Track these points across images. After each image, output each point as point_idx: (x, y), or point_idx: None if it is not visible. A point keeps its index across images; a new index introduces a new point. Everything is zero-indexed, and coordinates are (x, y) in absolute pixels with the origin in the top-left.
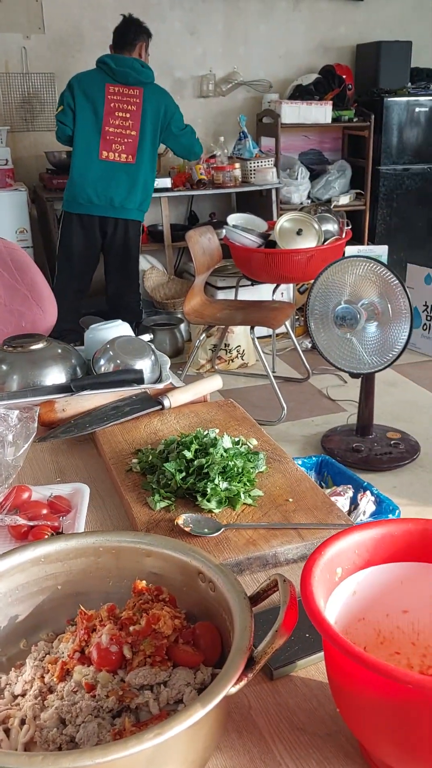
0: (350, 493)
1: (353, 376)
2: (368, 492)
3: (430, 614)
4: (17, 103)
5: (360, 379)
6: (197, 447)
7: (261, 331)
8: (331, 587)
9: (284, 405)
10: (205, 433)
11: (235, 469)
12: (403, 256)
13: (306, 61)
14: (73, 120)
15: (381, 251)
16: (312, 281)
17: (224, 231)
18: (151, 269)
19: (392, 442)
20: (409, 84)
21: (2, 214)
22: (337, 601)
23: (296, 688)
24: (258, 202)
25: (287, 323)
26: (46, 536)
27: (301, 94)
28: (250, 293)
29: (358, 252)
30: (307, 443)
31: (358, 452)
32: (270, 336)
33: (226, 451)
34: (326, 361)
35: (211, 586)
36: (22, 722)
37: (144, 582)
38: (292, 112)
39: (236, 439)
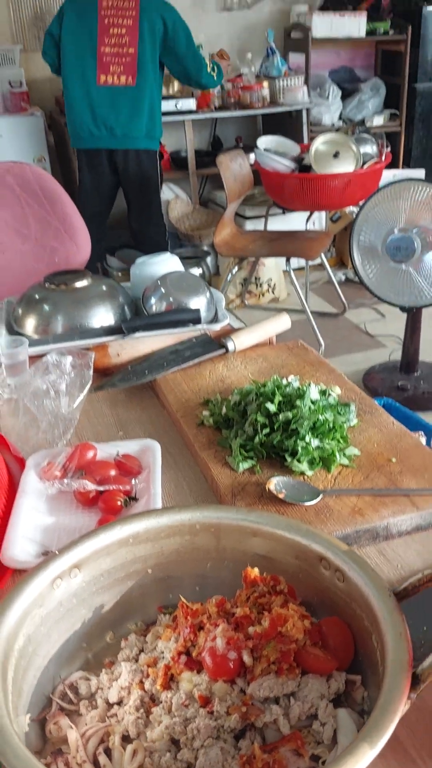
0: (423, 440)
1: (404, 310)
2: None
3: None
4: (29, 20)
5: (405, 313)
6: (281, 398)
7: (292, 263)
8: None
9: (322, 341)
10: (286, 381)
11: (327, 424)
12: None
13: None
14: (58, 48)
15: (418, 175)
16: (355, 208)
17: (254, 155)
18: (175, 199)
19: None
20: None
21: (19, 142)
22: None
23: None
24: (286, 125)
25: (322, 254)
26: (119, 502)
27: (332, 4)
28: (280, 223)
29: (394, 177)
30: None
31: (403, 391)
32: (301, 268)
33: (313, 402)
34: (373, 295)
35: (339, 576)
36: (123, 738)
37: (256, 570)
38: (324, 25)
39: (322, 389)
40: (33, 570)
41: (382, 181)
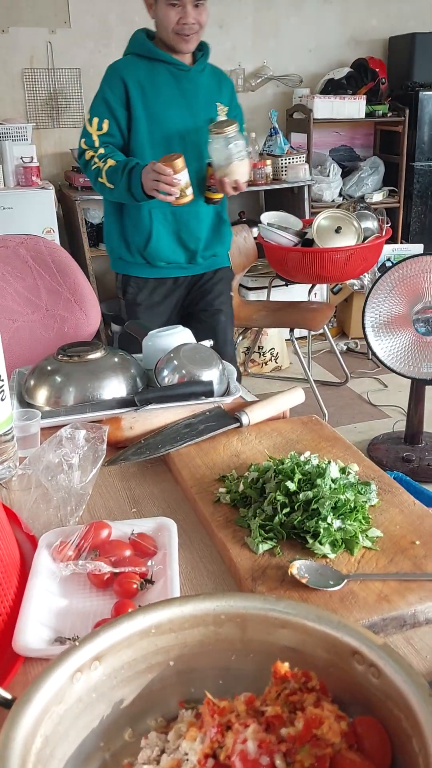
0: None
1: (429, 383)
2: None
3: None
4: (42, 100)
5: (410, 384)
6: (300, 477)
7: (294, 333)
8: None
9: (325, 410)
10: (305, 458)
11: (348, 504)
12: None
13: (337, 55)
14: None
15: (417, 250)
16: (356, 281)
17: (258, 230)
18: None
19: None
20: None
21: (29, 214)
22: None
23: None
24: (288, 200)
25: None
26: (135, 585)
27: (333, 88)
28: (283, 294)
29: (393, 251)
30: None
31: (408, 462)
32: (304, 338)
33: (334, 481)
34: (388, 369)
35: (374, 672)
36: None
37: (287, 665)
38: (325, 107)
39: (341, 466)
40: (52, 663)
41: (390, 257)
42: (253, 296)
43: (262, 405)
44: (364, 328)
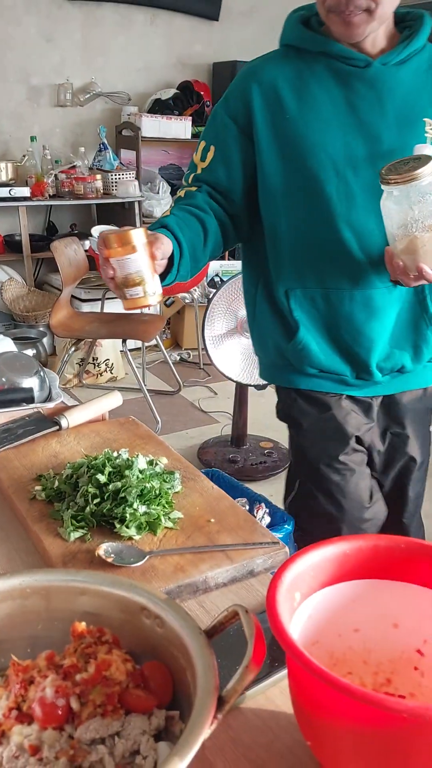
0: (246, 506)
1: (260, 388)
2: (263, 504)
3: (379, 630)
4: None
5: (235, 390)
6: (111, 470)
7: (129, 344)
8: (291, 614)
9: (158, 418)
10: (116, 454)
11: (153, 491)
12: None
13: (164, 76)
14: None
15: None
16: (185, 294)
17: (89, 242)
18: (9, 281)
19: (266, 451)
20: None
21: None
22: (295, 628)
23: (248, 721)
24: (120, 215)
25: (157, 336)
26: None
27: (160, 108)
28: (116, 305)
29: (221, 266)
30: (184, 456)
31: (234, 463)
32: (138, 349)
33: (141, 472)
34: (226, 378)
35: (159, 623)
36: None
37: (83, 624)
38: (153, 126)
39: (150, 459)
40: None
41: (218, 272)
42: (86, 308)
43: (80, 408)
44: (204, 342)
